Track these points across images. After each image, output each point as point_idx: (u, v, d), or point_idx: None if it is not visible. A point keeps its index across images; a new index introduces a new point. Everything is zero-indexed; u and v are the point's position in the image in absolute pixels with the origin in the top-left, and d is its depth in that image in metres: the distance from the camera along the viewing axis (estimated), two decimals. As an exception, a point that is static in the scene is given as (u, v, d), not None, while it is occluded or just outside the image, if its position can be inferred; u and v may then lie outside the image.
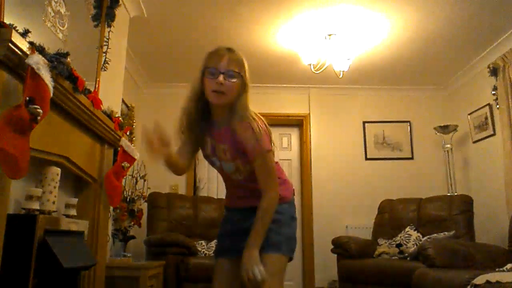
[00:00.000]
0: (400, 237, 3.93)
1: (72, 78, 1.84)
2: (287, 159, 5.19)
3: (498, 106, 3.97)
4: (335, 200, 4.89)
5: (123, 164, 2.59)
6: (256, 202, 1.51)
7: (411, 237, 3.85)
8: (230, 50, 1.51)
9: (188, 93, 1.57)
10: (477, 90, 4.52)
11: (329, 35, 3.82)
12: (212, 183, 5.10)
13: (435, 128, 4.75)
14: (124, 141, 2.64)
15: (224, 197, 1.81)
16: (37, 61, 1.47)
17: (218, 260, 1.67)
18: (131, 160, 2.72)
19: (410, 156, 5.09)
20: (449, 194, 4.34)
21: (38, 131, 1.57)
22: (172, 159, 1.53)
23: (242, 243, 1.50)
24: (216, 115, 1.56)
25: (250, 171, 1.54)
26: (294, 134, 5.30)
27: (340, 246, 3.88)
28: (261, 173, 1.50)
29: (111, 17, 2.69)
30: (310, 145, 5.05)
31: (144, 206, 3.88)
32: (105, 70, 2.62)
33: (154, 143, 1.37)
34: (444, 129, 4.68)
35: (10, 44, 1.40)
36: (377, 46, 4.10)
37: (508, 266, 2.64)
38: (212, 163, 1.64)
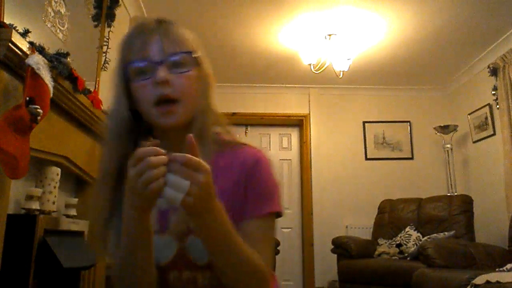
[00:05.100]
0: (400, 237, 3.93)
1: (72, 78, 1.84)
2: (287, 159, 5.19)
3: (498, 106, 3.97)
4: (335, 200, 4.89)
5: (123, 164, 2.59)
6: None
7: (411, 237, 3.85)
8: (161, 22, 0.84)
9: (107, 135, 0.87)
10: (477, 90, 4.52)
11: (329, 35, 3.82)
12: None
13: (435, 128, 4.75)
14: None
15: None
16: (37, 61, 1.47)
17: None
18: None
19: (410, 156, 5.09)
20: (449, 194, 4.33)
21: (38, 131, 1.57)
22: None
23: None
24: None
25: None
26: (294, 134, 5.29)
27: (340, 246, 3.89)
28: (258, 241, 0.82)
29: (111, 17, 2.69)
30: (310, 145, 5.05)
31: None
32: (105, 70, 2.62)
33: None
34: (444, 129, 4.68)
35: (10, 44, 1.40)
36: (377, 46, 4.10)
37: (508, 266, 2.64)
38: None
